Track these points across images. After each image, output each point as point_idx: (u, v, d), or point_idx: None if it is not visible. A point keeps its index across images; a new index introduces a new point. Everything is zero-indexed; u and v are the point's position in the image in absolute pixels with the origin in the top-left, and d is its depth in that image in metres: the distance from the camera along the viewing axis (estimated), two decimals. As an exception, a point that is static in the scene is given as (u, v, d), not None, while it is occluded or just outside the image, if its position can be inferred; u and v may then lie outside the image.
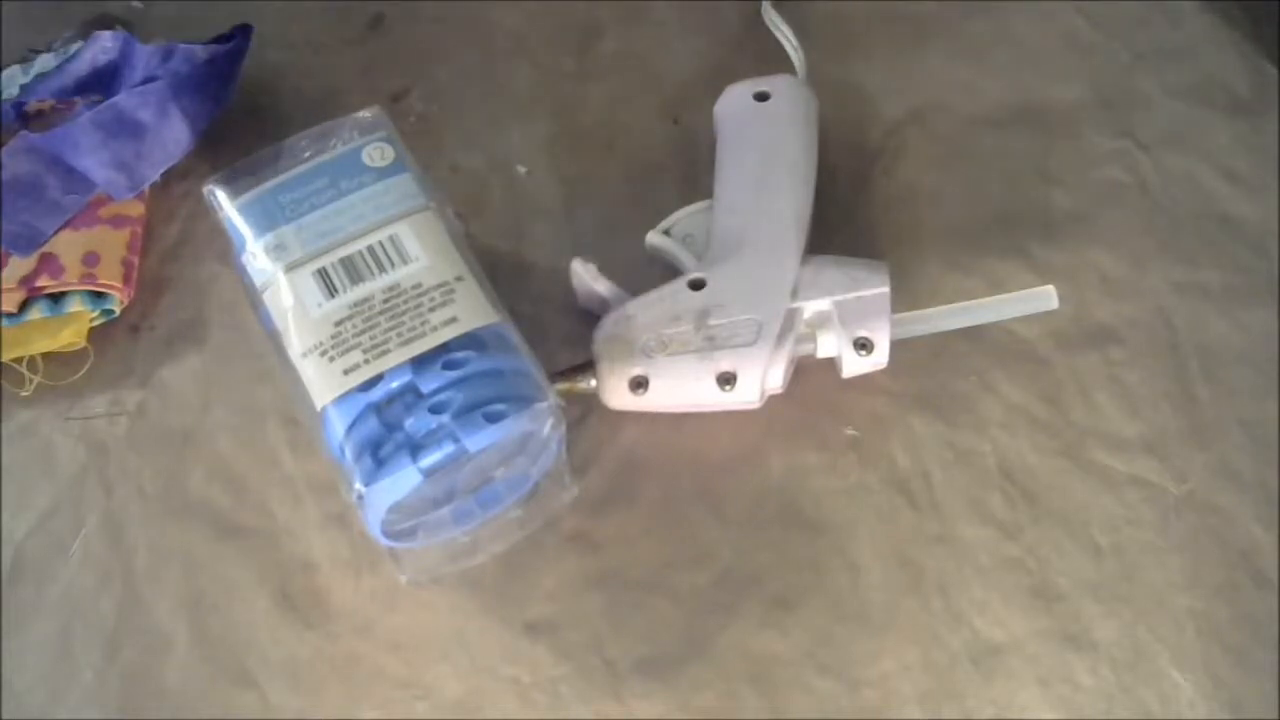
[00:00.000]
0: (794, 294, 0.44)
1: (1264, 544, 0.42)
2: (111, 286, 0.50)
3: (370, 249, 0.41)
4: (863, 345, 0.44)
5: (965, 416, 0.46)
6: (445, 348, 0.39)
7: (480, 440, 0.38)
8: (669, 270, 0.47)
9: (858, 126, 0.53)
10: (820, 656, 0.42)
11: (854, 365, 0.44)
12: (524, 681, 0.43)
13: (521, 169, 0.53)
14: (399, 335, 0.40)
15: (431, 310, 0.40)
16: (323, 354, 0.40)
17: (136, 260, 0.52)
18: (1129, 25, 0.53)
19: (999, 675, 0.41)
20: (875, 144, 0.52)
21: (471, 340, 0.40)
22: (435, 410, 0.39)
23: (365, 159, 0.43)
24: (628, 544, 0.45)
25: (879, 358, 0.44)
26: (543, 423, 0.40)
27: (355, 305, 0.40)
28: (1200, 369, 0.46)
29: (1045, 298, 0.45)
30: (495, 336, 0.40)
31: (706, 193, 0.48)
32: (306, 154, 0.44)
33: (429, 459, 0.38)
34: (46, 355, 0.50)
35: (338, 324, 0.40)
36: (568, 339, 0.47)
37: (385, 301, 0.40)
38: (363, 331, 0.40)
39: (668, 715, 0.42)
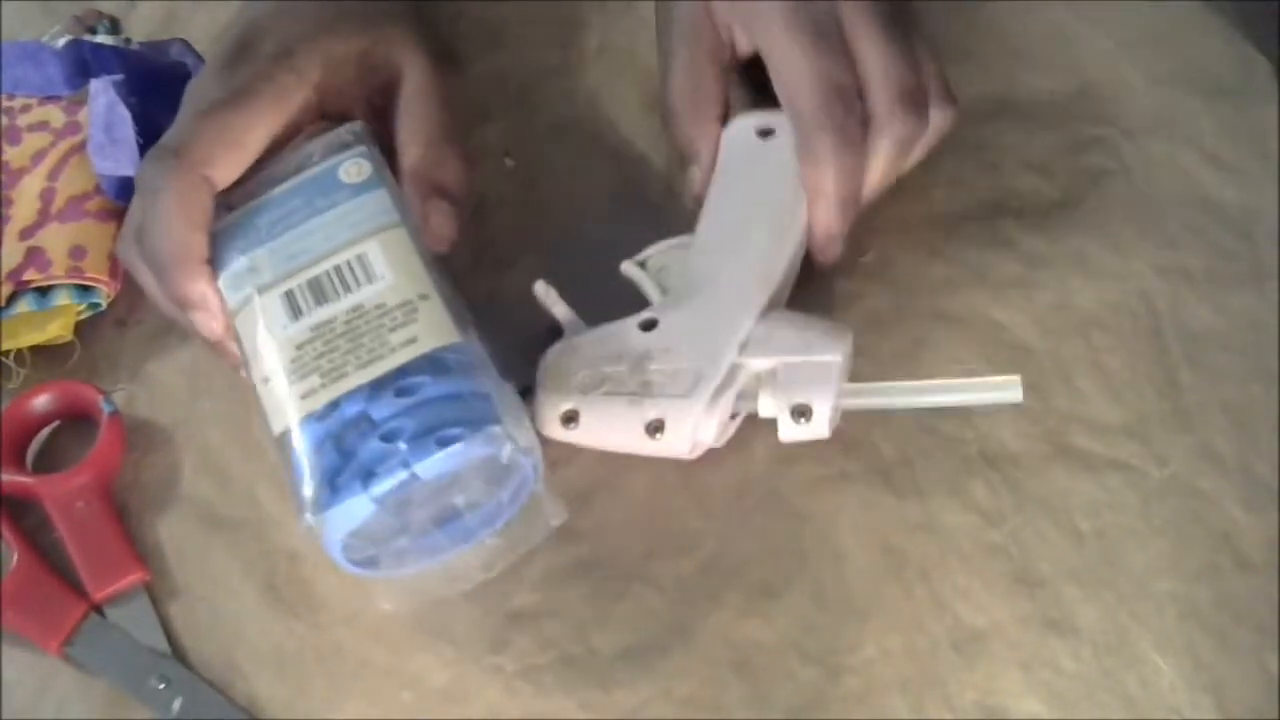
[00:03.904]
0: (742, 349, 0.42)
1: (1246, 527, 0.42)
2: (99, 280, 0.50)
3: (337, 269, 0.40)
4: (801, 412, 0.41)
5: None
6: (403, 372, 0.38)
7: (433, 467, 0.37)
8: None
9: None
10: (803, 644, 0.42)
11: (790, 431, 0.42)
12: (508, 670, 0.43)
13: (509, 162, 0.53)
14: (357, 358, 0.39)
15: (392, 330, 0.39)
16: (281, 378, 0.39)
17: (123, 255, 0.52)
18: (1112, 13, 0.53)
19: (981, 660, 0.41)
20: (860, 136, 0.52)
21: (431, 363, 0.38)
22: (387, 438, 0.37)
23: (342, 175, 0.43)
24: (611, 533, 0.45)
25: (817, 428, 0.42)
26: (499, 447, 0.38)
27: (317, 328, 0.39)
28: (1183, 353, 0.46)
29: (1009, 389, 0.42)
30: (458, 357, 0.39)
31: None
32: (294, 168, 0.43)
33: (380, 487, 0.37)
34: (34, 349, 0.50)
35: (298, 347, 0.39)
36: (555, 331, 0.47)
37: (347, 323, 0.39)
38: (322, 355, 0.39)
39: (651, 703, 0.42)
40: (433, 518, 0.40)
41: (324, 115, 0.46)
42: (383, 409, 0.38)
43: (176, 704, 0.43)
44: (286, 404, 0.39)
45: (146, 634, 0.44)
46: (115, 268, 0.51)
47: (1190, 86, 0.51)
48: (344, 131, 0.44)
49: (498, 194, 0.52)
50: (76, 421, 0.49)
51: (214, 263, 0.42)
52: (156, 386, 0.50)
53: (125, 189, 0.49)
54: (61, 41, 0.55)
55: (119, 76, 0.49)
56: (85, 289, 0.50)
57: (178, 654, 0.44)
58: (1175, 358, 0.46)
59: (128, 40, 0.56)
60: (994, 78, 0.53)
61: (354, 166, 0.43)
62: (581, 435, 0.43)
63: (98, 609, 0.45)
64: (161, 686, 0.43)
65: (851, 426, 0.45)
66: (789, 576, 0.43)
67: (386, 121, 0.46)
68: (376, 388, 0.38)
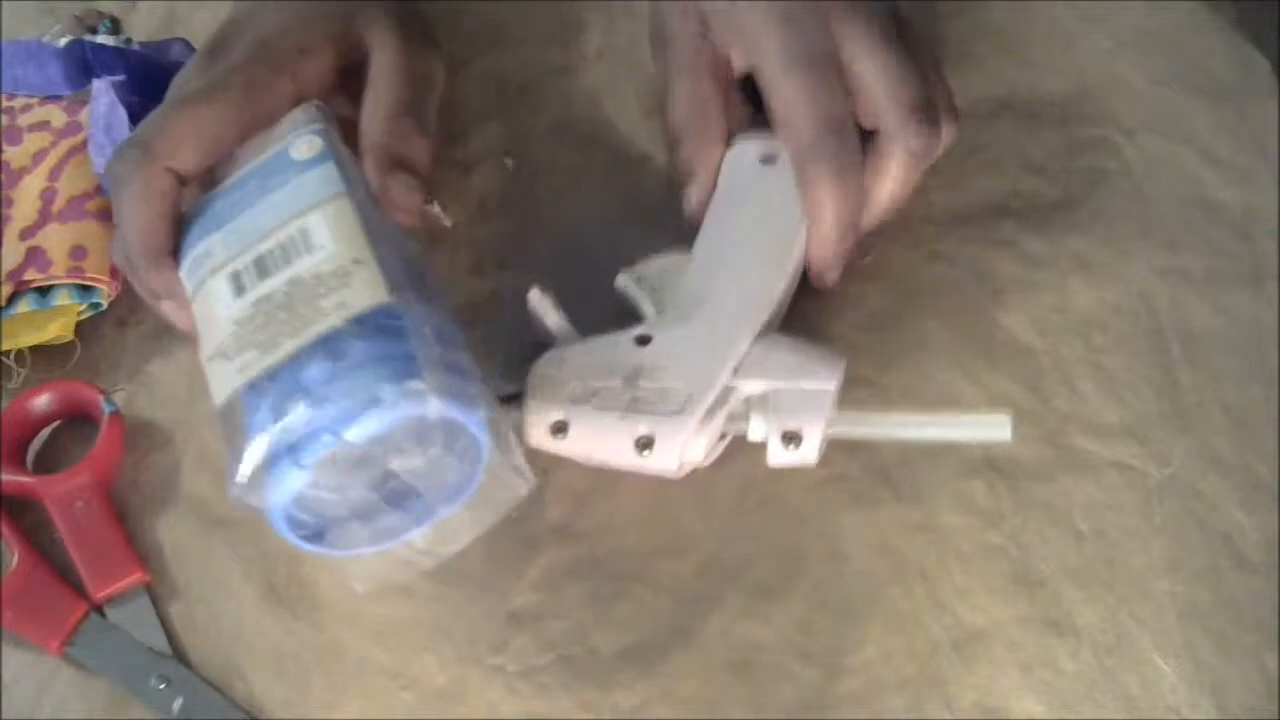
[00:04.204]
0: (736, 371, 0.42)
1: (1246, 527, 0.42)
2: (99, 280, 0.50)
3: (281, 244, 0.40)
4: (791, 438, 0.41)
5: (948, 405, 0.46)
6: (333, 336, 0.38)
7: (359, 429, 0.36)
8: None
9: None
10: (803, 645, 0.42)
11: (779, 456, 0.42)
12: (508, 671, 0.43)
13: (509, 161, 0.53)
14: (291, 327, 0.38)
15: (324, 297, 0.38)
16: (222, 356, 0.39)
17: (124, 255, 0.52)
18: (1111, 12, 0.53)
19: (981, 661, 0.41)
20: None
21: (361, 325, 0.38)
22: (316, 403, 0.37)
23: (293, 154, 0.42)
24: (611, 534, 0.45)
25: (807, 454, 0.42)
26: (421, 403, 0.37)
27: (258, 303, 0.39)
28: (1182, 354, 0.45)
29: (999, 426, 0.42)
30: (390, 320, 0.38)
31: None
32: (256, 153, 0.43)
33: (309, 454, 0.36)
34: (34, 349, 0.50)
35: (238, 323, 0.39)
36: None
37: (286, 295, 0.39)
38: (261, 329, 0.38)
39: (651, 703, 0.42)
40: (386, 493, 0.39)
41: (301, 102, 0.46)
42: (312, 374, 0.37)
43: (176, 704, 0.43)
44: (226, 379, 0.38)
45: (146, 634, 0.44)
46: (116, 268, 0.51)
47: (1190, 86, 0.51)
48: (299, 112, 0.44)
49: (498, 194, 0.52)
50: (76, 421, 0.50)
51: (179, 252, 0.42)
52: (156, 386, 0.50)
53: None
54: (62, 41, 0.55)
55: (120, 77, 0.50)
56: (86, 289, 0.50)
57: (178, 654, 0.44)
58: (1175, 358, 0.45)
59: (128, 40, 0.56)
60: (994, 78, 0.53)
61: (304, 144, 0.43)
62: (570, 447, 0.43)
63: (98, 609, 0.45)
64: (161, 686, 0.43)
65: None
66: (789, 577, 0.43)
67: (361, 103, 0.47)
68: (308, 354, 0.37)
